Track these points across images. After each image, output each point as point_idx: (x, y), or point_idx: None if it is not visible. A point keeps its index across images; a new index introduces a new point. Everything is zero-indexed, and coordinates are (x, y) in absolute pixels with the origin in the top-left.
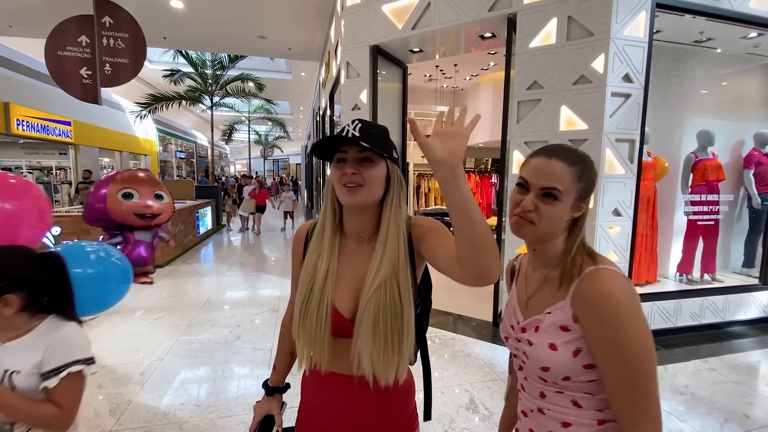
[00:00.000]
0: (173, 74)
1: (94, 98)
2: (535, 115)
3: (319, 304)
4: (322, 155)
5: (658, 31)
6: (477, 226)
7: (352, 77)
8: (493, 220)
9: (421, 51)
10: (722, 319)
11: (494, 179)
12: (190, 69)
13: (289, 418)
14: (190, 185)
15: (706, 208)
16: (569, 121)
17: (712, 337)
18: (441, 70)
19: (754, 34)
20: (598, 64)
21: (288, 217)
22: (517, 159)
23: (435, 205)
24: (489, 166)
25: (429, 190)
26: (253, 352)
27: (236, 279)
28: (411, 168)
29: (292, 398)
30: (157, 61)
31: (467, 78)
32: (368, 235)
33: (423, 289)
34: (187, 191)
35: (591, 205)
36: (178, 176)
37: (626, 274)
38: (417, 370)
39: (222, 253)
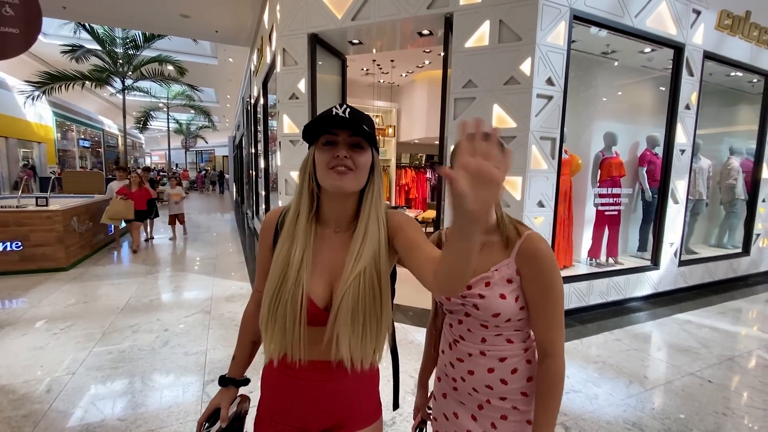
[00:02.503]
0: (75, 50)
1: None
2: (470, 113)
3: (293, 296)
4: (304, 137)
5: (574, 41)
6: (469, 269)
7: (289, 65)
8: (430, 213)
9: (360, 43)
10: (624, 296)
11: (429, 174)
12: (96, 46)
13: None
14: (98, 177)
15: (611, 201)
16: (501, 119)
17: (616, 312)
18: (378, 65)
19: (648, 49)
20: (525, 66)
21: (176, 222)
22: None
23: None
24: (423, 162)
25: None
26: (185, 357)
27: (160, 280)
28: None
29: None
30: (54, 35)
31: (403, 74)
32: (346, 223)
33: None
34: (95, 184)
35: (518, 198)
36: (81, 167)
37: None
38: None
39: (140, 252)
